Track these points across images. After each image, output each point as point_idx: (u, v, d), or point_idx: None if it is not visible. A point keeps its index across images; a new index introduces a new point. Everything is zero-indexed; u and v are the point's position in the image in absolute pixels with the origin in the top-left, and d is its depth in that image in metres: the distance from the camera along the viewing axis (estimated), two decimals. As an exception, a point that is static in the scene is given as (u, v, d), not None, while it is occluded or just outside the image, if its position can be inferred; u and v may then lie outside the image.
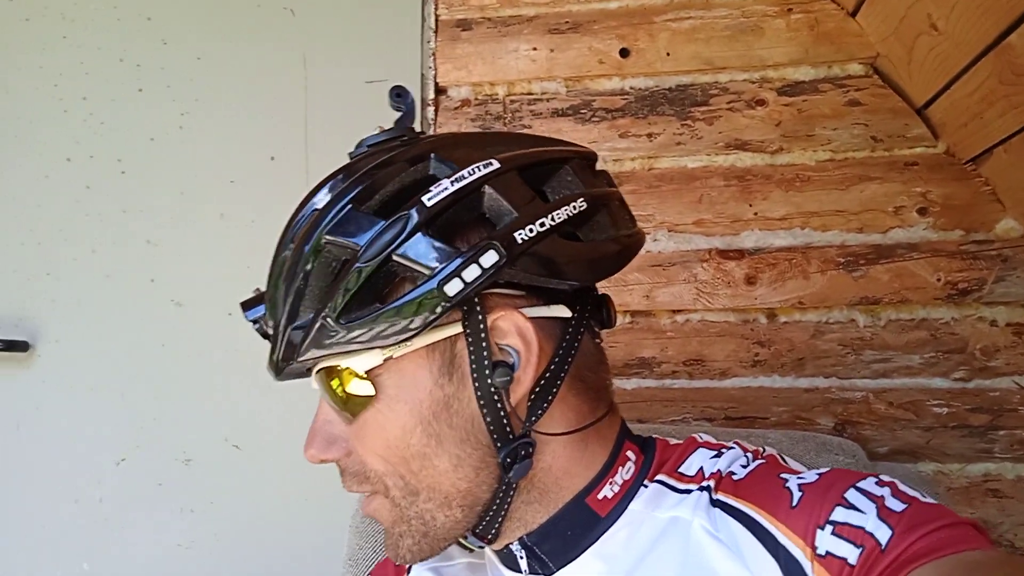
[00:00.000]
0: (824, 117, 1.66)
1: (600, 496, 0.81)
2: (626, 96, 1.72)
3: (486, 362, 0.74)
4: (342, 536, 1.38)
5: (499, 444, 0.76)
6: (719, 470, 0.82)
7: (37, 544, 1.76)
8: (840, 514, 0.69)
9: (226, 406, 1.76)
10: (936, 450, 1.60)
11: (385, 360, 0.73)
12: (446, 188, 0.71)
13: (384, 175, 0.73)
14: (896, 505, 0.68)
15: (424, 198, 0.71)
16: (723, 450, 0.86)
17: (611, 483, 0.82)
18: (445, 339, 0.74)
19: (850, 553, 0.66)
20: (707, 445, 0.88)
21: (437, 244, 0.70)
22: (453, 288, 0.69)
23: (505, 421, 0.76)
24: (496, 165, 0.73)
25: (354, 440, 0.78)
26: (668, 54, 1.70)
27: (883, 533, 0.66)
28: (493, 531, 0.81)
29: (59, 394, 1.79)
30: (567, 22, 1.74)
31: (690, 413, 1.64)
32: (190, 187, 1.80)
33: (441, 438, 0.75)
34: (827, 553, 0.68)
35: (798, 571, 0.69)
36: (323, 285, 0.72)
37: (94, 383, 1.78)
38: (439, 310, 0.69)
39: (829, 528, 0.69)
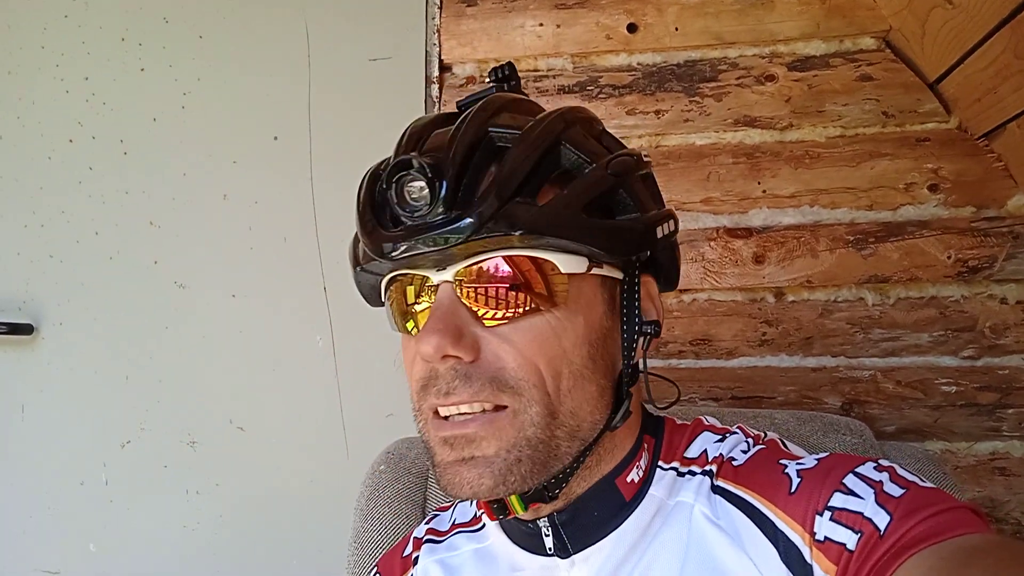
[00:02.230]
0: (835, 92, 1.63)
1: (628, 479, 0.83)
2: (633, 72, 1.69)
3: (637, 310, 0.82)
4: (347, 517, 1.38)
5: (624, 389, 0.81)
6: (721, 454, 0.84)
7: (43, 526, 1.76)
8: (839, 500, 0.70)
9: (230, 388, 1.75)
10: (944, 429, 1.58)
11: (587, 270, 0.76)
12: (647, 157, 0.84)
13: (588, 119, 0.84)
14: (894, 490, 0.69)
15: (641, 153, 0.84)
16: (727, 434, 0.88)
17: (637, 467, 0.84)
18: (610, 279, 0.80)
19: (848, 538, 0.68)
20: (712, 429, 0.90)
21: (645, 192, 0.83)
22: (659, 232, 0.81)
23: (630, 371, 0.82)
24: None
25: (500, 343, 0.74)
26: (677, 29, 1.68)
27: (881, 518, 0.67)
28: (561, 487, 0.79)
29: (63, 377, 1.79)
30: (573, -3, 1.71)
31: (696, 393, 1.63)
32: (193, 168, 1.78)
33: (596, 364, 0.78)
34: (826, 538, 0.69)
35: (797, 556, 0.71)
36: (544, 178, 0.75)
37: (98, 365, 1.78)
38: (647, 246, 0.80)
39: (828, 514, 0.70)
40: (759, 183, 1.64)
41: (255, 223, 1.76)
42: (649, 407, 0.90)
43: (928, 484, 0.71)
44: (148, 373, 1.77)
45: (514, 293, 0.73)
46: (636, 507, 0.82)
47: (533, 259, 0.74)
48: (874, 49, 1.62)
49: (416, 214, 0.71)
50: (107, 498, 1.76)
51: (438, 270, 0.75)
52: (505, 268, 0.73)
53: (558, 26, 1.71)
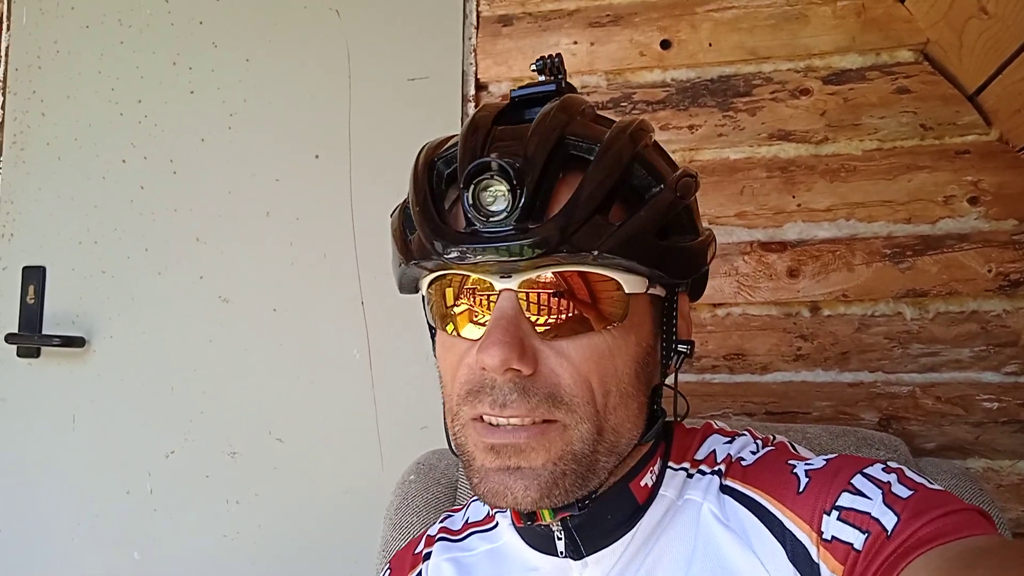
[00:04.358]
0: (871, 106, 1.61)
1: (642, 483, 0.82)
2: (667, 88, 1.70)
3: (675, 330, 0.83)
4: (378, 527, 1.39)
5: (654, 407, 0.81)
6: (730, 455, 0.84)
7: (90, 533, 1.82)
8: (846, 499, 0.71)
9: (270, 401, 1.79)
10: (986, 446, 1.53)
11: (646, 290, 0.76)
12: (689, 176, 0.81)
13: (650, 134, 0.81)
14: (902, 491, 0.69)
15: (687, 177, 0.80)
16: (735, 436, 0.88)
17: (651, 471, 0.84)
18: (656, 298, 0.80)
19: (856, 538, 0.68)
20: (720, 432, 0.90)
21: (698, 213, 0.85)
22: (708, 255, 0.83)
23: (661, 389, 0.83)
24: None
25: (557, 358, 0.73)
26: (710, 45, 1.68)
27: (889, 519, 0.67)
28: (593, 497, 0.78)
29: (113, 388, 1.85)
30: (608, 15, 1.73)
31: (730, 408, 1.61)
32: (237, 186, 1.84)
33: (640, 382, 0.77)
34: (833, 538, 0.69)
35: (804, 555, 0.71)
36: (624, 192, 0.75)
37: (146, 377, 1.84)
38: (699, 267, 0.81)
39: (835, 514, 0.70)
40: (794, 197, 1.63)
41: (296, 239, 1.80)
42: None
43: (936, 486, 0.71)
44: (192, 385, 1.82)
45: (577, 309, 0.73)
46: (647, 510, 0.82)
47: (603, 277, 0.73)
48: (912, 62, 1.61)
49: (491, 219, 0.70)
50: (152, 507, 1.80)
51: (502, 277, 0.73)
52: (574, 284, 0.73)
53: (592, 44, 1.73)
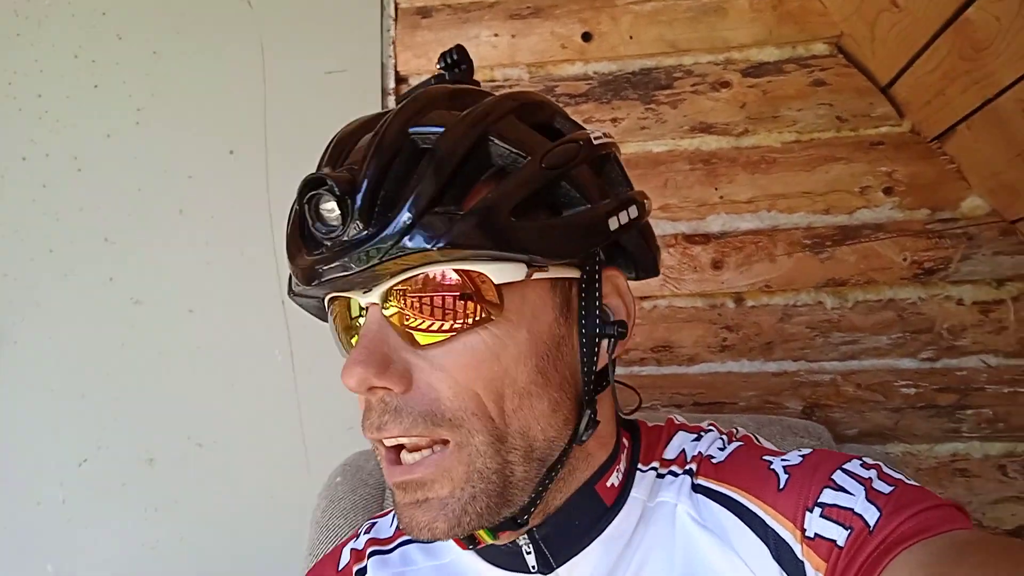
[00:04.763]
0: (789, 98, 1.64)
1: (608, 484, 0.79)
2: (589, 81, 1.70)
3: (597, 312, 0.75)
4: (304, 531, 1.36)
5: (586, 399, 0.75)
6: (700, 452, 0.82)
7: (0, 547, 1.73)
8: (828, 496, 0.70)
9: (188, 404, 1.73)
10: (904, 431, 1.58)
11: (526, 277, 0.68)
12: (601, 137, 0.76)
13: (529, 104, 0.75)
14: (883, 487, 0.69)
15: (592, 136, 0.76)
16: (701, 432, 0.86)
17: (617, 470, 0.80)
18: (564, 280, 0.74)
19: (839, 535, 0.67)
20: (685, 427, 0.88)
21: (596, 180, 0.76)
22: (614, 224, 0.73)
23: (593, 377, 0.76)
24: (615, 141, 0.80)
25: (432, 370, 0.68)
26: (631, 37, 1.68)
27: (871, 514, 0.67)
28: (533, 509, 0.74)
29: (19, 395, 1.76)
30: (528, 7, 1.71)
31: (658, 400, 1.62)
32: (148, 183, 1.77)
33: (548, 378, 0.72)
34: (816, 536, 0.69)
35: (788, 554, 0.70)
36: (472, 181, 0.69)
37: (55, 384, 1.75)
38: (600, 240, 0.73)
39: (818, 511, 0.70)
40: (716, 189, 1.65)
41: (211, 238, 1.74)
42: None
43: (913, 482, 0.71)
44: (105, 391, 1.74)
45: (443, 311, 0.68)
46: (618, 511, 0.79)
47: (463, 272, 0.67)
48: (827, 55, 1.64)
49: (332, 235, 0.67)
50: (65, 518, 1.72)
51: (364, 292, 0.70)
52: (432, 285, 0.68)
53: (513, 36, 1.71)
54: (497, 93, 0.76)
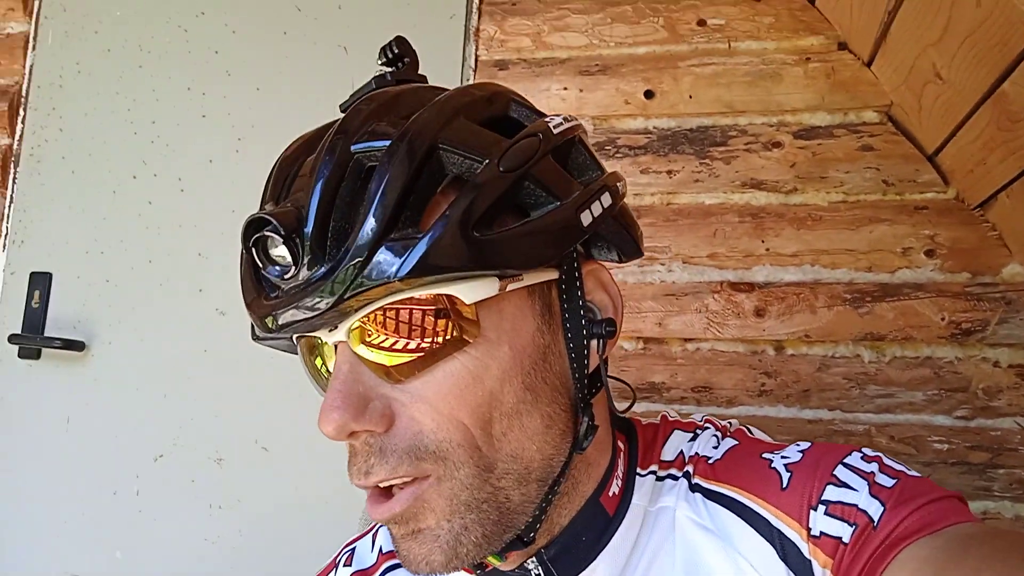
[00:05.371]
0: (837, 160, 1.72)
1: (610, 493, 0.76)
2: (649, 135, 1.81)
3: (582, 312, 0.70)
4: (353, 535, 1.46)
5: (582, 406, 0.71)
6: (696, 452, 0.79)
7: (76, 531, 1.89)
8: (832, 492, 0.69)
9: (257, 410, 1.87)
10: (934, 484, 1.60)
11: (500, 290, 0.63)
12: (561, 124, 0.69)
13: (478, 100, 0.68)
14: (886, 481, 0.68)
15: (551, 124, 0.68)
16: (697, 431, 0.83)
17: (616, 477, 0.77)
18: (542, 284, 0.69)
19: (843, 532, 0.66)
20: (679, 425, 0.85)
21: (562, 172, 0.69)
22: (587, 218, 0.67)
23: (587, 382, 0.71)
24: (580, 123, 0.72)
25: (414, 403, 0.64)
26: (691, 97, 1.80)
27: (875, 509, 0.66)
28: (538, 526, 0.70)
29: (108, 392, 1.93)
30: (597, 65, 1.85)
31: (695, 437, 1.68)
32: (241, 206, 1.89)
33: (537, 393, 0.67)
34: (821, 533, 0.68)
35: (796, 553, 0.69)
36: (428, 195, 0.62)
37: (140, 383, 1.92)
38: (574, 239, 0.67)
39: (822, 508, 0.68)
40: (763, 241, 1.73)
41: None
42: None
43: (915, 473, 0.70)
44: (185, 393, 1.90)
45: (416, 341, 0.62)
46: (621, 520, 0.75)
47: (433, 297, 0.62)
48: (876, 122, 1.72)
49: (287, 276, 0.62)
50: (137, 508, 1.87)
51: (330, 331, 0.65)
52: (401, 315, 0.62)
53: (581, 90, 1.84)
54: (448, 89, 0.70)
